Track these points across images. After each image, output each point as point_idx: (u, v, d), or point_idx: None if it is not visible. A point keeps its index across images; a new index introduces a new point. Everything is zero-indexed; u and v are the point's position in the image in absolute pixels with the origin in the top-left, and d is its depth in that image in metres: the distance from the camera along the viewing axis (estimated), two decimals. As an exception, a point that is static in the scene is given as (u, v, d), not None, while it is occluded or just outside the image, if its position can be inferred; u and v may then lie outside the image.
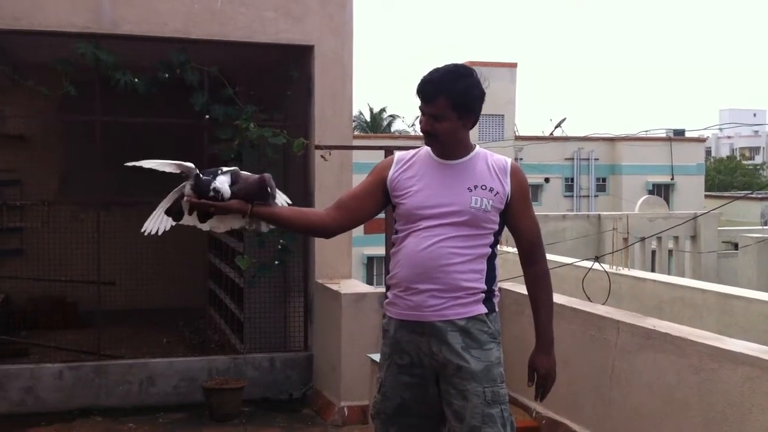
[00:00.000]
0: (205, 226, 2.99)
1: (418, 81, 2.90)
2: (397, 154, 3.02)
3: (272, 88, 6.93)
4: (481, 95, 2.93)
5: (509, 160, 3.00)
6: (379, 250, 5.19)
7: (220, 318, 7.92)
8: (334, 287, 5.91)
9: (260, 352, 6.32)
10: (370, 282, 21.57)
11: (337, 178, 6.23)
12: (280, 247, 6.20)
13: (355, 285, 6.16)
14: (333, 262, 6.28)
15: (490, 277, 2.92)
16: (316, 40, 6.26)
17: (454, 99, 2.84)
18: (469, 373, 2.83)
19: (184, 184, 2.90)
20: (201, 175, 2.79)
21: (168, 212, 3.01)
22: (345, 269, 6.37)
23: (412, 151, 3.01)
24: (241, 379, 5.95)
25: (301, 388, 6.22)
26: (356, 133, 40.49)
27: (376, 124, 48.03)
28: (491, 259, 2.93)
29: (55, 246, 7.44)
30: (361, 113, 48.49)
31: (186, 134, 7.60)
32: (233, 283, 7.16)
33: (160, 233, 3.02)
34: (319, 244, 6.17)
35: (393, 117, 48.61)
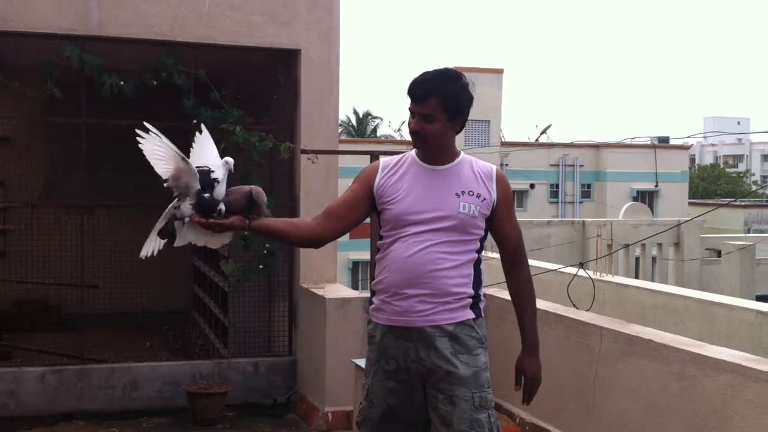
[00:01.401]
0: (200, 242, 2.95)
1: (409, 82, 2.92)
2: (383, 160, 3.02)
3: (259, 92, 6.93)
4: (470, 99, 2.95)
5: (494, 167, 3.03)
6: (365, 255, 5.19)
7: (205, 322, 7.90)
8: (319, 292, 5.90)
9: (244, 357, 6.30)
10: (355, 287, 21.54)
11: (324, 183, 6.23)
12: (265, 251, 6.19)
13: (340, 290, 6.16)
14: (318, 266, 6.27)
15: (477, 282, 2.94)
16: (303, 45, 6.27)
17: (445, 100, 2.86)
18: (457, 378, 2.84)
19: (175, 204, 2.84)
20: (203, 193, 2.75)
21: (161, 234, 2.96)
22: (330, 274, 6.37)
23: (397, 157, 3.01)
24: (225, 383, 5.93)
25: (285, 393, 6.21)
26: (342, 137, 40.50)
27: (362, 129, 48.06)
28: (477, 265, 2.95)
29: (38, 248, 7.40)
30: (348, 118, 48.52)
31: (171, 137, 7.58)
32: (218, 287, 7.14)
33: (155, 254, 3.00)
34: (305, 249, 6.16)
35: (379, 120, 48.66)
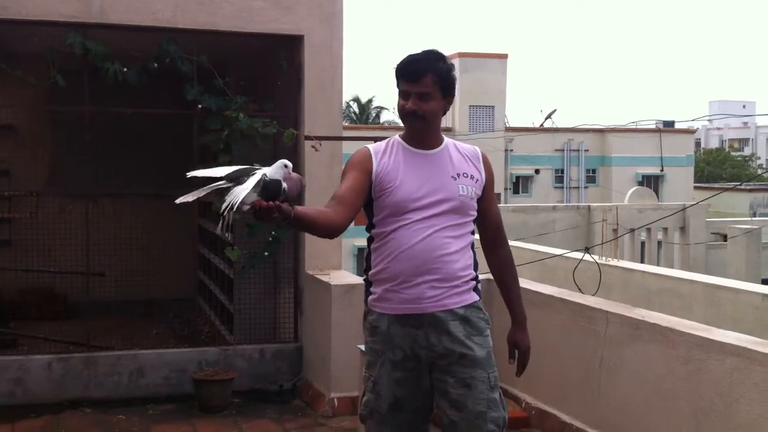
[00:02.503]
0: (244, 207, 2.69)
1: (399, 63, 2.91)
2: (371, 146, 2.97)
3: (262, 79, 6.91)
4: (455, 80, 2.97)
5: (477, 148, 3.06)
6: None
7: (210, 309, 7.91)
8: (324, 278, 5.90)
9: (250, 344, 6.31)
10: (360, 273, 21.56)
11: (328, 170, 6.21)
12: (270, 238, 6.18)
13: (345, 276, 6.15)
14: (323, 253, 6.26)
15: (475, 263, 2.98)
16: (306, 30, 6.24)
17: (440, 78, 2.88)
18: (473, 360, 2.86)
19: (228, 182, 2.65)
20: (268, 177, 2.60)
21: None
22: (335, 260, 6.36)
23: (382, 143, 2.99)
24: (230, 370, 5.94)
25: (291, 379, 6.22)
26: (346, 124, 40.47)
27: (365, 115, 47.98)
28: (473, 246, 2.98)
29: (43, 237, 7.41)
30: (349, 105, 48.44)
31: (175, 124, 7.58)
32: (223, 274, 7.15)
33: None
34: (310, 235, 6.14)
35: (381, 108, 48.56)
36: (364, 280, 3.04)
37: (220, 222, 2.65)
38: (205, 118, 6.23)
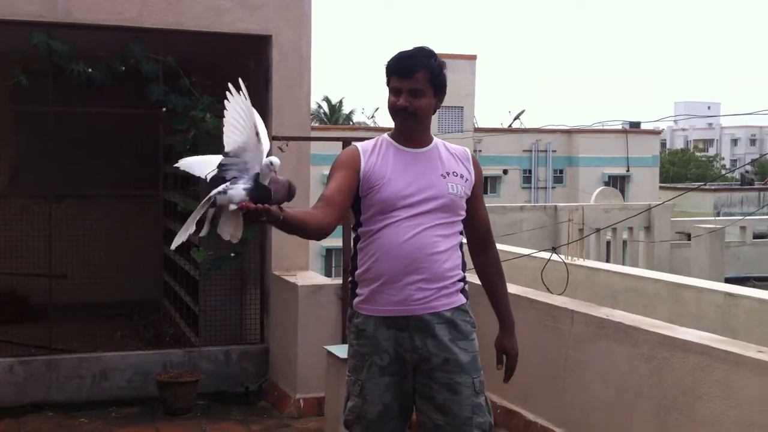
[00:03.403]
0: (225, 235, 2.69)
1: (391, 60, 2.87)
2: (359, 145, 2.93)
3: (230, 79, 6.81)
4: (446, 78, 2.94)
5: (467, 149, 3.04)
6: (338, 242, 5.17)
7: (175, 311, 7.85)
8: (291, 279, 5.88)
9: (216, 345, 6.26)
10: (328, 274, 21.54)
11: (295, 170, 6.18)
12: (236, 239, 6.14)
13: (312, 277, 6.13)
14: (290, 253, 6.24)
15: (463, 264, 2.95)
16: (274, 30, 6.21)
17: (432, 74, 2.85)
18: (458, 365, 2.82)
19: (221, 189, 2.59)
20: (258, 179, 2.57)
21: (198, 224, 2.70)
22: (302, 261, 6.34)
23: (371, 141, 2.95)
24: (195, 372, 5.89)
25: (257, 380, 6.18)
26: (315, 124, 40.37)
27: (335, 116, 47.92)
28: (461, 247, 2.95)
29: (5, 238, 7.29)
30: (319, 105, 48.35)
31: (142, 125, 7.51)
32: (188, 275, 7.09)
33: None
34: (276, 236, 6.12)
35: (352, 108, 48.59)
36: (350, 281, 2.97)
37: (195, 220, 2.63)
38: (171, 118, 6.18)
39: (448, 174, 2.88)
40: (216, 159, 2.72)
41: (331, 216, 2.75)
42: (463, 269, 2.94)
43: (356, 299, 2.92)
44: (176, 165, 2.83)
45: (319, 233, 2.75)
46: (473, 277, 3.08)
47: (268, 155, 2.71)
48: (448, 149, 2.97)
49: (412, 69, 2.82)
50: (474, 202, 2.98)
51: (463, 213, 2.93)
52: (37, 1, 5.66)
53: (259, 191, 2.55)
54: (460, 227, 2.93)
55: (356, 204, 2.88)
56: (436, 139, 2.98)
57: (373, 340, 2.85)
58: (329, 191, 2.81)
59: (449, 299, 2.85)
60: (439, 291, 2.82)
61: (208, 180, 2.66)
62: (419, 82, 2.82)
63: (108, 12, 5.81)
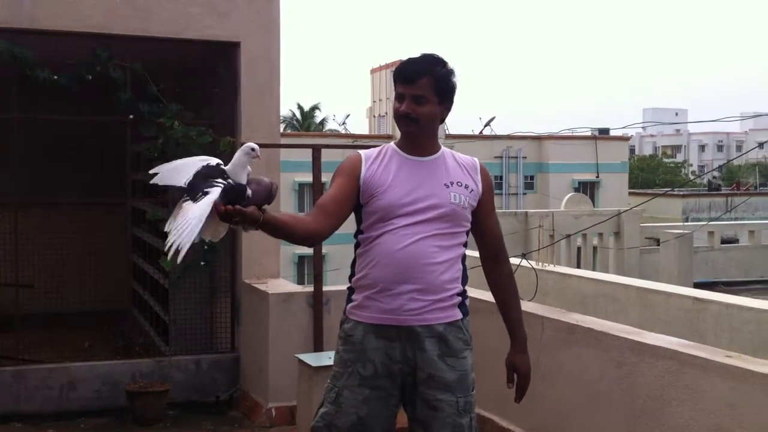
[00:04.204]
0: (206, 235, 2.63)
1: (398, 65, 2.84)
2: (363, 152, 2.89)
3: (199, 86, 6.82)
4: (455, 86, 2.87)
5: (477, 159, 2.97)
6: (310, 249, 5.15)
7: (145, 320, 7.77)
8: (262, 287, 5.84)
9: (186, 354, 6.20)
10: (301, 281, 21.45)
11: (264, 177, 6.16)
12: (206, 247, 6.09)
13: (283, 285, 6.10)
14: (261, 261, 6.20)
15: (464, 278, 2.88)
16: (243, 37, 6.18)
17: (437, 82, 2.80)
18: (442, 383, 2.76)
19: (187, 198, 2.53)
20: (231, 180, 2.54)
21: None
22: (273, 268, 6.30)
23: (377, 149, 2.91)
24: (165, 382, 5.83)
25: (228, 390, 6.13)
26: (288, 131, 40.26)
27: (308, 124, 47.86)
28: (464, 260, 2.88)
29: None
30: (292, 113, 48.26)
31: (111, 132, 7.43)
32: (158, 283, 7.02)
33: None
34: (247, 243, 6.09)
35: (326, 116, 48.60)
36: (347, 287, 2.92)
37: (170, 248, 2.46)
38: (139, 125, 6.12)
39: (452, 183, 2.82)
40: (186, 164, 2.66)
41: (322, 223, 2.71)
42: (464, 283, 2.87)
43: (349, 305, 2.87)
44: (153, 181, 2.75)
45: (308, 240, 2.74)
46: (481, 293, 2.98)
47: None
48: (455, 158, 2.91)
49: (416, 75, 2.78)
50: (482, 214, 2.91)
51: (467, 224, 2.86)
52: (2, 7, 5.59)
53: (232, 190, 2.52)
54: (464, 239, 2.86)
55: (358, 211, 2.84)
56: (444, 148, 2.92)
57: (359, 347, 2.79)
58: (324, 198, 2.79)
59: (444, 313, 2.79)
60: (433, 303, 2.76)
61: (186, 186, 2.59)
62: (422, 88, 2.77)
63: (73, 18, 5.75)
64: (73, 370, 5.88)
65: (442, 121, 2.89)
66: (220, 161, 2.68)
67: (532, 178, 35.52)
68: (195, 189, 2.54)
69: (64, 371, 5.87)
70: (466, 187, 2.85)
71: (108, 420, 5.65)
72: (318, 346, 5.49)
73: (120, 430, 5.47)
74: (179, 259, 2.41)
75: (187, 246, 2.39)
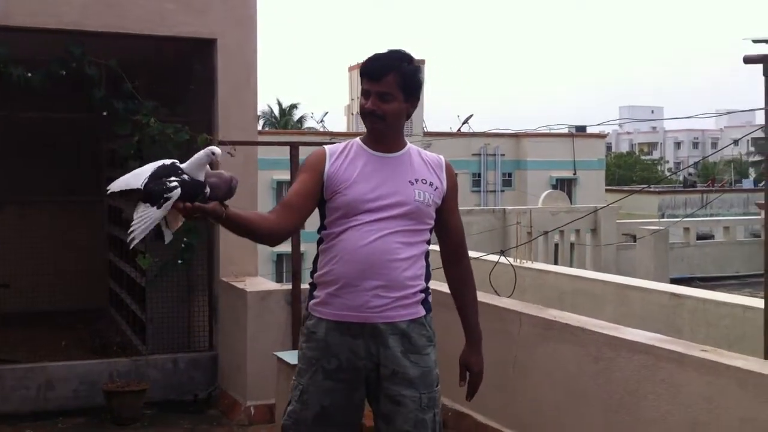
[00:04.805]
0: (168, 235, 2.61)
1: (363, 62, 2.82)
2: (328, 147, 2.87)
3: (174, 83, 6.78)
4: (421, 82, 2.87)
5: (442, 157, 2.97)
6: (289, 247, 5.13)
7: (122, 319, 7.72)
8: (240, 285, 5.82)
9: (163, 353, 6.17)
10: (279, 279, 21.39)
11: (242, 175, 6.04)
12: (183, 245, 6.06)
13: (261, 282, 6.09)
14: (238, 259, 6.18)
15: (427, 275, 2.88)
16: (219, 33, 6.14)
17: (403, 78, 2.78)
18: (406, 379, 2.76)
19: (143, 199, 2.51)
20: (190, 177, 2.51)
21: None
22: (251, 267, 6.28)
23: (342, 144, 2.89)
24: (143, 381, 5.80)
25: (206, 388, 6.11)
26: (266, 129, 40.12)
27: (286, 120, 47.71)
28: (427, 257, 2.88)
29: (-56, 247, 7.10)
30: (270, 108, 48.10)
31: (86, 129, 7.38)
32: (134, 282, 6.98)
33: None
34: (224, 241, 6.06)
35: (304, 113, 48.52)
36: (309, 283, 2.90)
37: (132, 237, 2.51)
38: (113, 123, 6.07)
39: (416, 181, 2.82)
40: (144, 173, 2.60)
41: (287, 220, 2.70)
42: (427, 280, 2.87)
43: (312, 301, 2.85)
44: (109, 188, 2.70)
45: (273, 237, 2.71)
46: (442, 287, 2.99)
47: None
48: (421, 156, 2.90)
49: (381, 72, 2.76)
50: (446, 212, 2.91)
51: (431, 222, 2.86)
52: (-25, 3, 5.53)
53: (191, 186, 2.50)
54: (427, 236, 2.86)
55: (321, 207, 2.83)
56: (410, 145, 2.91)
57: (322, 344, 2.78)
58: (288, 195, 2.77)
59: (406, 310, 2.78)
60: (397, 300, 2.75)
61: (143, 188, 2.56)
62: (388, 85, 2.76)
63: (48, 15, 5.69)
64: (50, 370, 5.84)
65: (408, 117, 2.88)
66: (175, 160, 2.63)
67: (509, 175, 35.66)
68: (152, 192, 2.50)
69: (42, 371, 5.82)
70: (431, 184, 2.85)
71: (86, 420, 5.61)
72: (296, 344, 5.44)
73: (98, 430, 5.43)
74: (131, 246, 2.47)
75: (140, 237, 2.44)
